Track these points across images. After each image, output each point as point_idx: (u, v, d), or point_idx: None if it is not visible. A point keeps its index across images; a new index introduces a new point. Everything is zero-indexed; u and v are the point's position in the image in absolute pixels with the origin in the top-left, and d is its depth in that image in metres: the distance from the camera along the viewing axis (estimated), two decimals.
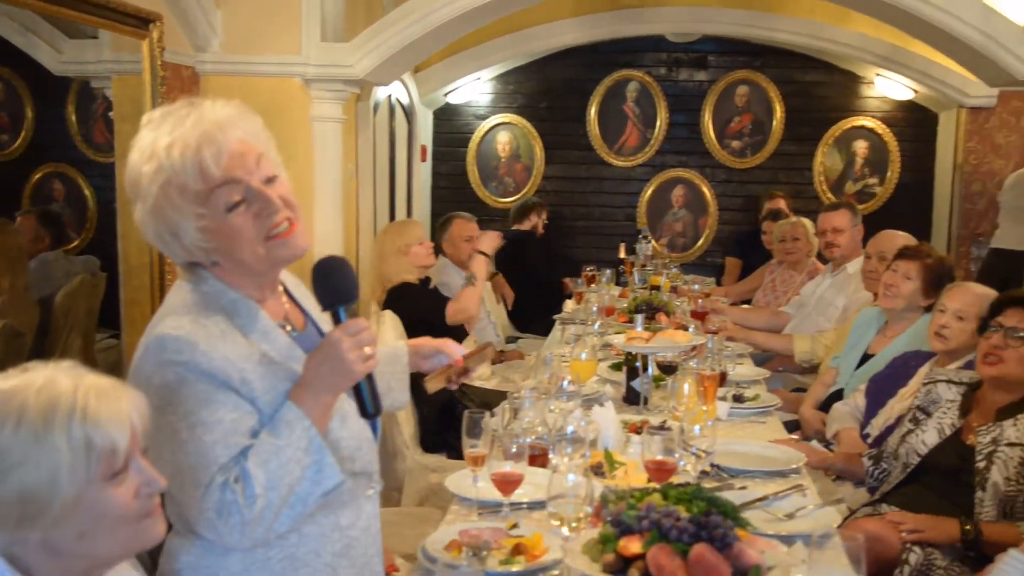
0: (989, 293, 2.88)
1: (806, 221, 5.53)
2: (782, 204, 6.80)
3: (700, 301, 4.59)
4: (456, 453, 3.52)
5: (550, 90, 7.83)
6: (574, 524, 1.82)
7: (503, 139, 7.91)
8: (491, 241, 4.47)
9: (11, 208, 4.36)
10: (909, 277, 3.51)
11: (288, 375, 1.62)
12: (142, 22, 3.98)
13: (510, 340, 5.85)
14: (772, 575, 1.60)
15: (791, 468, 2.48)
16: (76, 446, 1.23)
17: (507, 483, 2.06)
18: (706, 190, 7.79)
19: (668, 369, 3.10)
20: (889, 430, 3.07)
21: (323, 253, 1.69)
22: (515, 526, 2.01)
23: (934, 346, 3.11)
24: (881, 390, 3.35)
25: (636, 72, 7.74)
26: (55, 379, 1.26)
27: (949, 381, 2.78)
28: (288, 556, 1.62)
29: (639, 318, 3.60)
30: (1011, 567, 1.57)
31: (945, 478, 2.59)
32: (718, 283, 6.72)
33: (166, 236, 1.60)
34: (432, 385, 2.01)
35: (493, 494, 2.10)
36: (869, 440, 3.24)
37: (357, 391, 1.61)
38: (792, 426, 3.81)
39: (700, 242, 7.88)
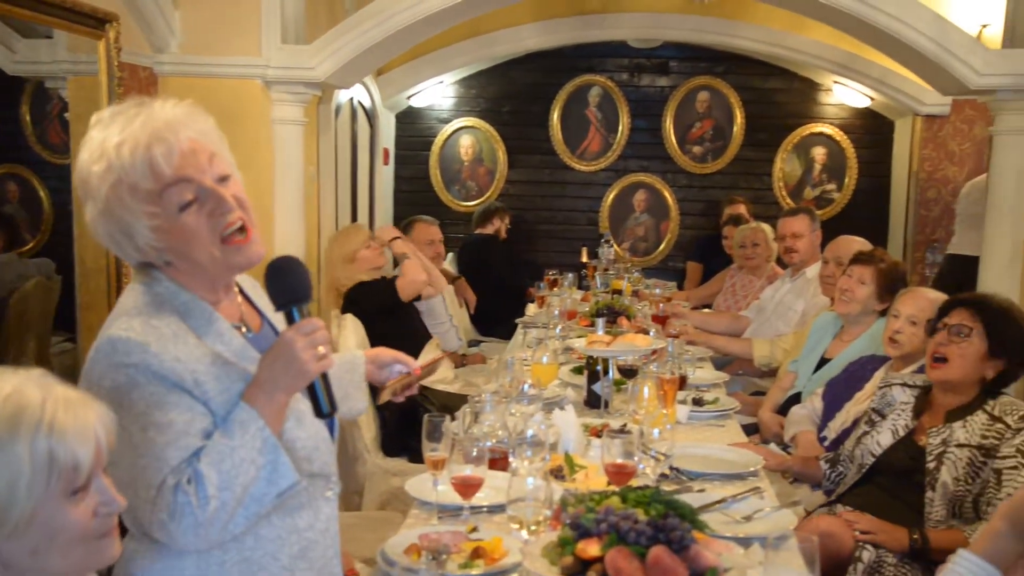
0: (940, 298, 2.94)
1: (766, 226, 5.60)
2: (742, 209, 6.87)
3: (661, 305, 4.63)
4: (417, 457, 3.51)
5: (513, 94, 7.85)
6: (533, 527, 1.82)
7: (466, 143, 7.91)
8: (390, 232, 4.52)
9: None
10: (864, 282, 3.57)
11: (242, 376, 1.61)
12: (98, 22, 3.92)
13: (472, 344, 5.85)
14: None
15: (749, 471, 2.51)
16: (38, 459, 1.20)
17: (467, 487, 2.06)
18: (668, 195, 7.85)
19: (629, 373, 3.11)
20: (845, 433, 3.12)
21: (300, 260, 1.69)
22: (475, 530, 2.01)
23: (888, 351, 3.16)
24: (837, 394, 3.40)
25: (598, 77, 7.79)
26: (23, 388, 1.23)
27: (904, 384, 2.83)
28: (244, 559, 1.61)
29: (600, 322, 3.62)
30: (960, 567, 1.60)
31: (898, 478, 2.64)
32: (679, 287, 6.77)
33: (118, 236, 1.58)
34: (383, 396, 2.03)
35: (453, 498, 2.10)
36: (826, 443, 3.29)
37: (311, 391, 1.61)
38: (751, 429, 3.85)
39: (662, 246, 7.93)
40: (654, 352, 3.23)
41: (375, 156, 7.23)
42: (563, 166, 7.88)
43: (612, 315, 4.09)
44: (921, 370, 2.98)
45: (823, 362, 3.80)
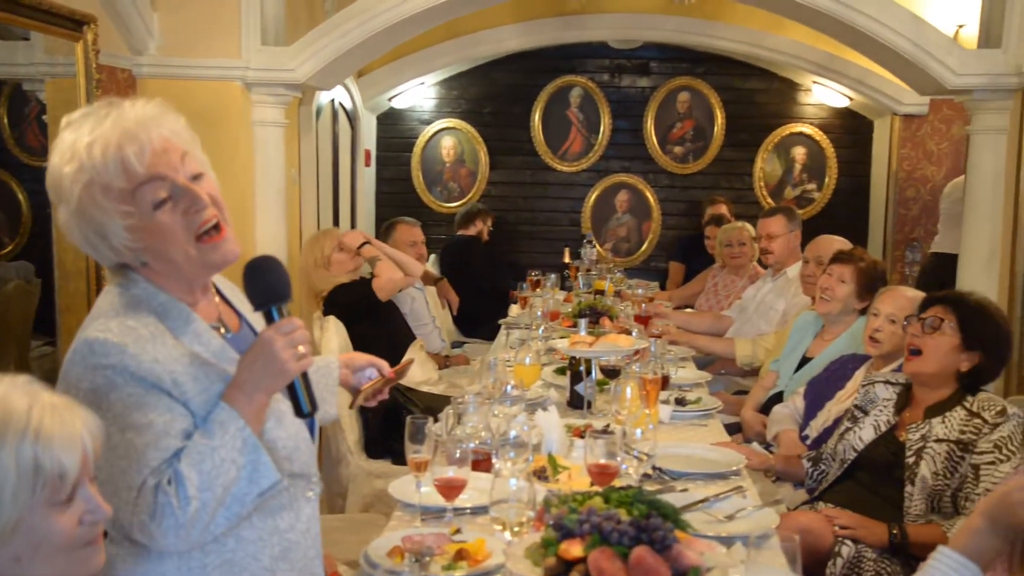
0: (919, 296, 2.96)
1: (750, 226, 5.62)
2: (724, 209, 6.90)
3: (643, 305, 4.64)
4: (401, 459, 3.47)
5: (494, 95, 7.85)
6: (516, 528, 1.82)
7: (447, 144, 7.90)
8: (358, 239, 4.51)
9: None
10: (843, 280, 3.60)
11: (221, 376, 1.61)
12: (75, 24, 3.89)
13: (456, 345, 5.85)
14: None
15: (732, 470, 2.52)
16: (24, 467, 1.19)
17: (450, 488, 2.06)
18: (649, 195, 7.87)
19: (611, 373, 3.12)
20: (827, 432, 3.14)
21: (278, 259, 1.68)
22: (458, 531, 2.01)
23: (868, 350, 3.19)
24: (819, 393, 3.43)
25: (579, 78, 7.80)
26: (9, 395, 1.22)
27: (886, 382, 2.85)
28: (226, 561, 1.61)
29: (583, 322, 3.63)
30: (942, 563, 1.61)
31: (878, 474, 2.66)
32: (662, 287, 6.79)
33: (92, 238, 1.58)
34: (357, 401, 2.03)
35: (436, 500, 2.10)
36: (808, 441, 3.31)
37: (291, 390, 1.61)
38: (734, 428, 3.87)
39: (644, 247, 7.95)
40: (636, 352, 3.24)
41: (356, 158, 7.21)
42: (545, 167, 7.89)
43: (594, 316, 4.10)
44: (901, 368, 3.00)
45: (804, 361, 3.83)
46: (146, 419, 1.51)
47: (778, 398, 3.80)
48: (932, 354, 2.61)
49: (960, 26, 6.21)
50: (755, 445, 3.46)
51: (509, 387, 2.79)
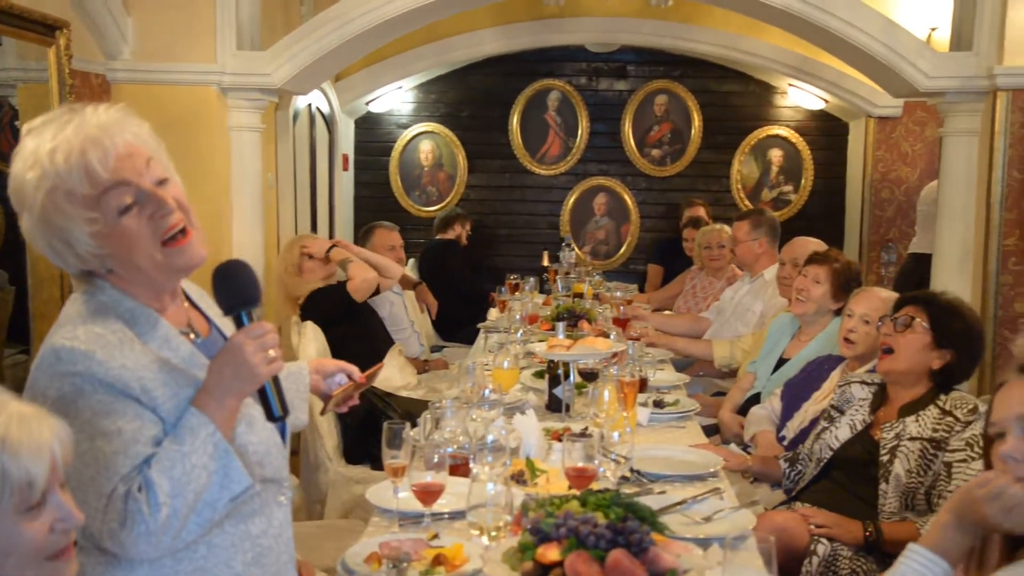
0: (893, 297, 2.99)
1: (728, 228, 5.65)
2: (702, 212, 6.94)
3: (622, 308, 4.65)
4: (380, 464, 3.48)
5: (472, 99, 7.85)
6: (494, 533, 1.82)
7: (425, 148, 7.90)
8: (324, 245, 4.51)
9: None
10: (818, 281, 3.63)
11: (191, 382, 1.60)
12: (48, 29, 3.85)
13: (435, 349, 5.85)
14: None
15: (709, 472, 2.53)
16: None
17: (428, 494, 2.06)
18: (627, 198, 7.90)
19: (589, 376, 3.13)
20: (804, 432, 3.16)
21: (248, 263, 1.68)
22: (436, 536, 2.01)
23: (843, 351, 3.21)
24: (796, 393, 3.45)
25: (557, 81, 7.82)
26: None
27: (862, 382, 2.88)
28: (198, 568, 1.60)
29: (561, 326, 3.63)
30: (912, 560, 1.63)
31: (854, 472, 2.69)
32: (641, 290, 6.81)
33: (57, 245, 1.57)
34: (328, 407, 2.03)
35: (414, 505, 2.09)
36: (785, 442, 3.33)
37: (262, 394, 1.60)
38: (712, 430, 3.89)
39: (623, 249, 7.98)
40: (614, 355, 3.24)
41: (334, 162, 7.19)
42: (523, 170, 7.90)
43: (573, 319, 4.10)
44: (875, 369, 3.03)
45: (781, 362, 3.85)
46: (115, 426, 1.50)
47: (756, 399, 3.82)
48: (903, 352, 2.64)
49: (933, 29, 6.28)
50: (733, 446, 3.48)
51: (487, 391, 2.79)
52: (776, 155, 7.75)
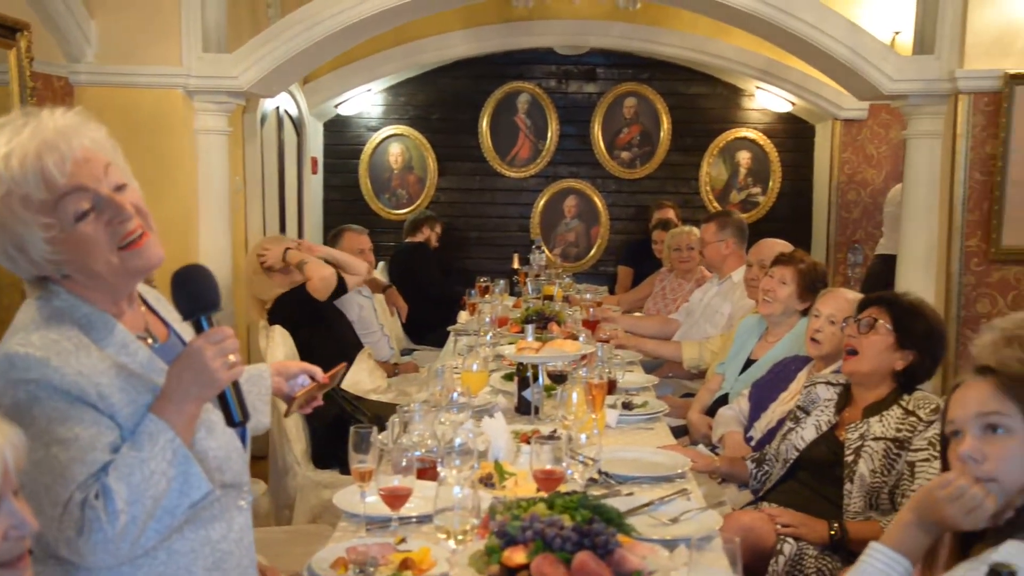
0: (858, 298, 3.02)
1: (697, 230, 5.68)
2: (671, 214, 6.98)
3: (591, 310, 4.66)
4: (349, 468, 3.49)
5: (442, 102, 7.85)
6: (460, 537, 1.82)
7: (395, 151, 7.88)
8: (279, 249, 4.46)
9: None
10: (784, 282, 3.66)
11: (149, 388, 1.58)
12: (8, 31, 3.80)
13: (405, 353, 5.83)
14: None
15: (677, 473, 2.54)
16: None
17: (395, 498, 2.05)
18: (597, 200, 7.92)
19: (558, 378, 3.13)
20: (771, 433, 3.18)
21: (210, 269, 1.66)
22: (403, 541, 2.00)
23: (809, 351, 3.24)
24: (763, 394, 3.48)
25: (527, 84, 7.83)
26: None
27: (828, 383, 2.91)
28: (157, 575, 1.58)
29: (530, 328, 3.63)
30: (874, 559, 1.65)
31: (819, 473, 2.71)
32: (611, 292, 6.84)
33: (11, 251, 1.55)
34: (291, 408, 2.02)
35: (382, 509, 2.08)
36: (752, 443, 3.36)
37: (222, 400, 1.59)
38: (681, 431, 3.91)
39: (593, 251, 8.00)
40: (583, 357, 3.25)
41: (303, 165, 7.15)
42: (493, 173, 7.90)
43: (542, 321, 4.11)
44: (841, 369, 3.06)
45: (749, 363, 3.88)
46: (71, 433, 1.48)
47: (724, 400, 3.84)
48: (867, 353, 2.67)
49: (896, 33, 6.36)
50: (701, 447, 3.50)
51: (456, 394, 2.79)
52: (744, 157, 7.81)
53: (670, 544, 1.95)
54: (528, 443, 2.60)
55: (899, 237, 4.98)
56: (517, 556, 1.60)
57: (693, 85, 7.77)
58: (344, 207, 7.79)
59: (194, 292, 1.59)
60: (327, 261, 4.40)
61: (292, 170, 6.86)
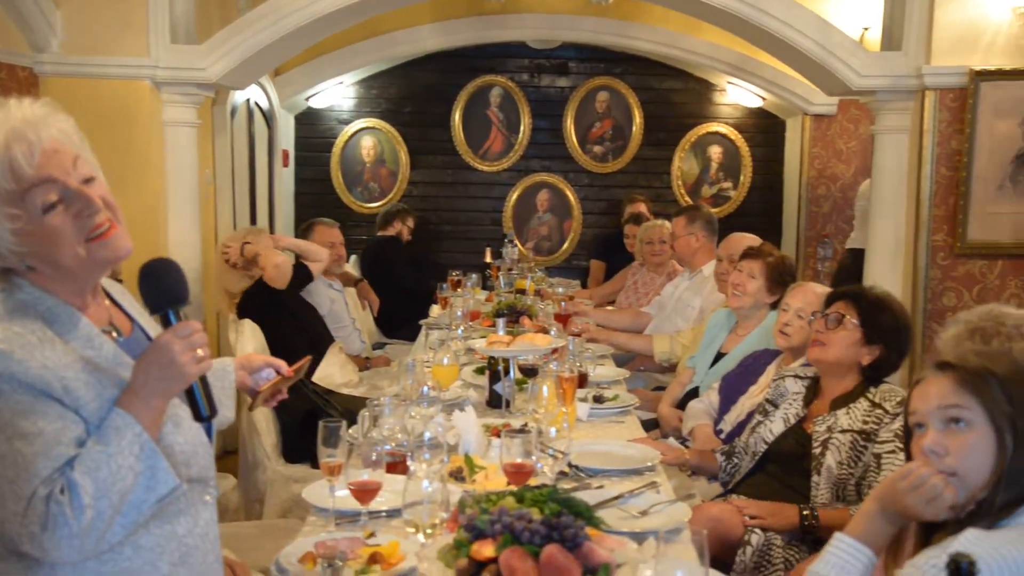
0: (826, 291, 3.05)
1: (668, 224, 5.70)
2: (643, 208, 7.00)
3: (563, 304, 4.67)
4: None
5: (414, 95, 7.82)
6: (429, 531, 1.82)
7: (367, 144, 7.84)
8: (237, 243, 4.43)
9: None
10: (753, 276, 3.69)
11: (115, 381, 1.57)
12: None
13: (377, 346, 5.81)
14: (621, 572, 1.64)
15: (647, 466, 2.55)
16: None
17: (365, 492, 2.05)
18: (570, 194, 7.93)
19: (530, 372, 3.13)
20: (741, 426, 3.21)
21: (180, 262, 1.64)
22: (372, 535, 2.00)
23: (778, 343, 3.27)
24: (733, 387, 3.50)
25: (499, 78, 7.82)
26: None
27: (796, 376, 2.93)
28: (123, 570, 1.57)
29: (501, 322, 3.64)
30: (838, 548, 1.67)
31: (788, 465, 2.74)
32: (583, 285, 6.85)
33: None
34: (256, 403, 2.01)
35: (352, 504, 2.08)
36: (722, 435, 3.38)
37: (190, 394, 1.58)
38: (652, 424, 3.93)
39: (565, 245, 8.02)
40: (555, 351, 3.26)
41: (274, 158, 7.09)
42: (466, 167, 7.89)
43: (514, 315, 4.11)
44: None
45: (719, 357, 3.90)
46: (35, 427, 1.46)
47: (695, 393, 3.87)
48: (834, 347, 2.70)
49: (865, 29, 6.42)
50: (671, 440, 3.52)
51: (426, 388, 2.78)
52: (716, 152, 7.85)
53: (639, 537, 1.96)
54: (499, 437, 2.60)
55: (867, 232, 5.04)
56: (486, 550, 1.60)
57: (665, 80, 7.80)
58: (316, 200, 7.74)
59: (162, 286, 1.57)
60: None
61: (263, 163, 6.81)
